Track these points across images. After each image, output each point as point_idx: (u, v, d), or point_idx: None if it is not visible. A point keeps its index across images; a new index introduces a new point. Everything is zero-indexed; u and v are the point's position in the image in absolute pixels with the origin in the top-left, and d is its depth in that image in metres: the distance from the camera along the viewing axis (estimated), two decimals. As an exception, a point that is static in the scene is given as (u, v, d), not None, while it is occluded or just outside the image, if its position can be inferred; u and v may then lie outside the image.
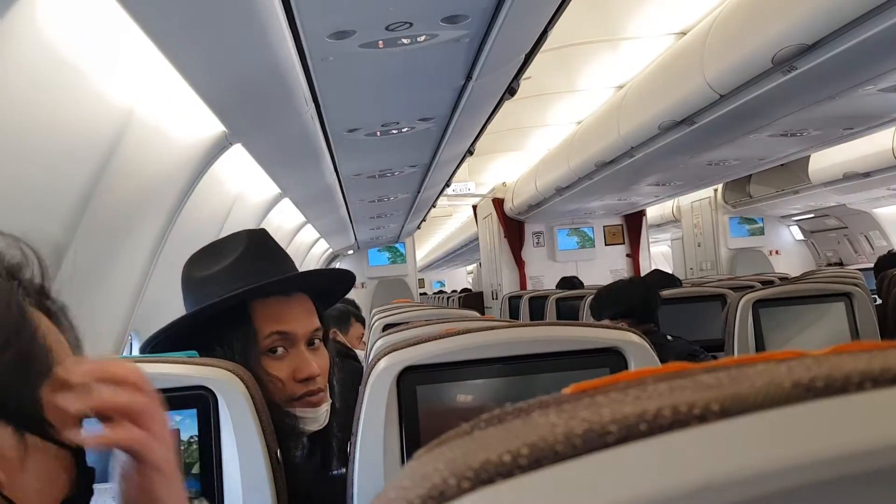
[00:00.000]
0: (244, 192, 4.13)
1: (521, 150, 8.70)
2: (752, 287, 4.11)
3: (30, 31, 1.59)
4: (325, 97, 2.87)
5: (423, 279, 21.36)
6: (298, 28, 2.15)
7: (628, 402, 0.31)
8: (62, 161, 1.89)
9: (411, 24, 2.27)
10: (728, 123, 4.62)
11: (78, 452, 0.71)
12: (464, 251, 17.54)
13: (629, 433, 0.28)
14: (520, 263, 10.13)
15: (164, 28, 1.84)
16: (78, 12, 1.78)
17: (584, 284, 7.09)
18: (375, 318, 3.63)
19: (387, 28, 2.29)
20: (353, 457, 1.35)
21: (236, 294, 1.38)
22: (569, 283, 7.37)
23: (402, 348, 1.40)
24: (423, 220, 9.49)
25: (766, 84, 3.83)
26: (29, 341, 0.70)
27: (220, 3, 1.77)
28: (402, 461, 1.32)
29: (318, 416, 1.46)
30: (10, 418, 0.68)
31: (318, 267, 9.24)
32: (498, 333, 1.44)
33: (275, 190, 4.62)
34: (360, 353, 3.65)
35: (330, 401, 1.50)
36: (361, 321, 4.40)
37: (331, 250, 10.20)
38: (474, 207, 11.46)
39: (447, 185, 6.80)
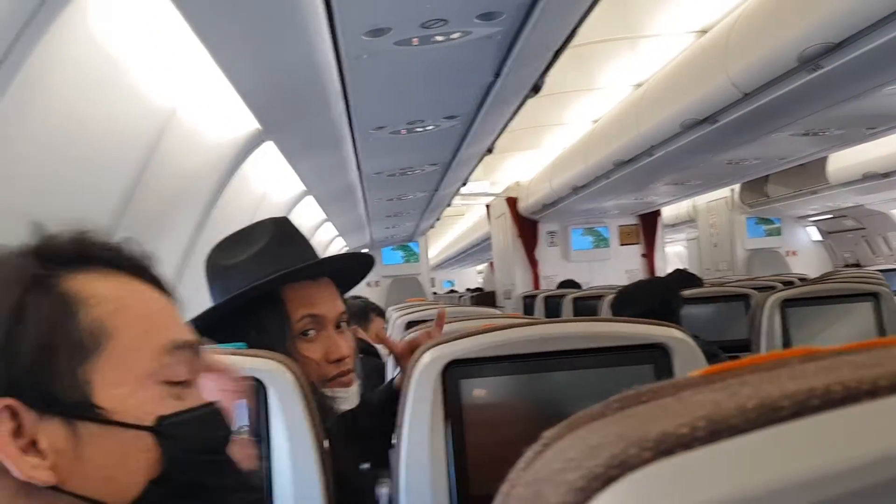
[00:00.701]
0: (269, 192, 4.15)
1: (535, 149, 8.67)
2: (773, 287, 4.11)
3: (82, 30, 1.61)
4: (355, 95, 2.88)
5: (432, 278, 21.34)
6: (336, 25, 2.16)
7: (788, 380, 0.32)
8: (109, 158, 1.91)
9: (446, 21, 2.29)
10: (750, 122, 4.61)
11: (161, 429, 0.69)
12: (475, 251, 17.52)
13: (801, 408, 0.29)
14: (533, 263, 10.09)
15: (213, 27, 1.86)
16: (127, 12, 1.80)
17: (582, 286, 7.12)
18: (395, 315, 3.64)
19: (422, 25, 2.30)
20: (400, 449, 1.36)
21: (275, 278, 1.41)
22: (569, 285, 7.42)
23: (445, 342, 1.41)
24: (438, 218, 9.49)
25: (791, 83, 3.81)
26: (55, 325, 0.68)
27: (267, 1, 1.79)
28: (447, 454, 1.33)
29: (350, 396, 1.49)
30: (54, 409, 0.66)
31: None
32: (543, 328, 1.45)
33: (298, 188, 4.65)
34: (382, 349, 3.66)
35: (359, 381, 1.52)
36: (382, 315, 4.41)
37: (347, 248, 10.22)
38: (487, 206, 11.45)
39: (464, 183, 6.80)
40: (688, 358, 1.40)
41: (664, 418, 0.30)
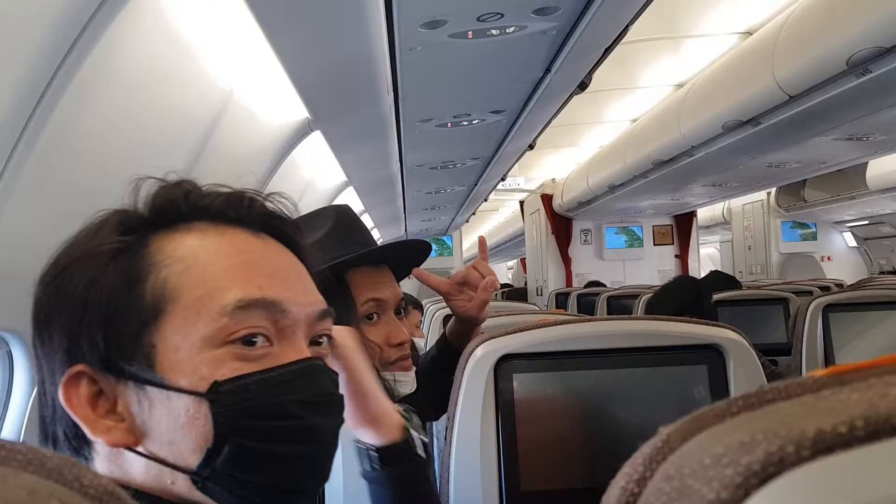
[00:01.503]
0: (314, 179, 4.18)
1: (572, 147, 8.65)
2: (811, 292, 4.07)
3: (152, 11, 1.64)
4: (405, 87, 2.90)
5: (463, 273, 21.20)
6: (394, 16, 2.18)
7: None
8: (170, 140, 1.94)
9: (502, 15, 2.30)
10: (794, 125, 4.57)
11: (214, 396, 0.67)
12: (507, 246, 17.48)
13: None
14: (566, 260, 10.07)
15: (273, 14, 1.88)
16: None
17: (615, 285, 7.13)
18: (432, 308, 3.65)
19: (478, 18, 2.32)
20: (451, 442, 1.36)
21: (350, 258, 1.43)
22: (594, 285, 7.46)
23: (499, 336, 1.41)
24: (473, 213, 9.48)
25: (839, 86, 3.78)
26: (126, 289, 0.68)
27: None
28: (498, 448, 1.34)
29: (410, 380, 1.50)
30: (126, 374, 0.67)
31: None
32: (598, 325, 1.45)
33: (340, 178, 4.67)
34: (419, 341, 3.68)
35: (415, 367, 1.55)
36: (420, 308, 4.44)
37: (381, 240, 10.26)
38: (521, 203, 11.43)
39: (503, 179, 6.80)
40: (742, 360, 1.39)
41: (815, 417, 0.31)
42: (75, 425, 0.68)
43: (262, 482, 0.68)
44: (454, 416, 1.37)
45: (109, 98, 1.67)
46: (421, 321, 4.29)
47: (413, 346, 3.51)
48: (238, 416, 0.67)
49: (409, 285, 10.17)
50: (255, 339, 0.69)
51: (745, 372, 1.38)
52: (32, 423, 1.77)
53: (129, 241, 0.70)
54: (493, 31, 2.43)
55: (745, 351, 1.41)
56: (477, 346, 1.40)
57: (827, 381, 0.36)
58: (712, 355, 1.41)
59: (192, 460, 0.67)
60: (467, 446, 1.33)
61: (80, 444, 0.70)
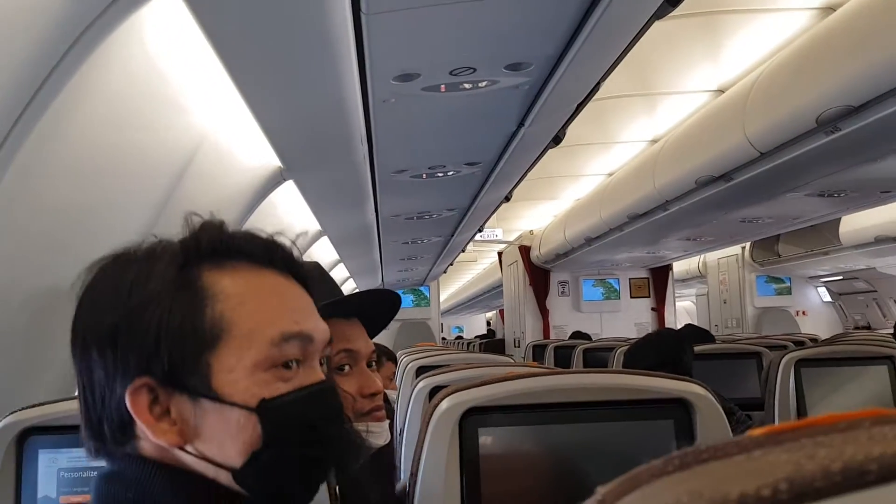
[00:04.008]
0: (289, 228, 4.17)
1: (550, 199, 8.72)
2: (785, 346, 4.08)
3: (124, 57, 1.65)
4: (379, 138, 2.91)
5: (441, 324, 21.27)
6: (367, 69, 2.20)
7: (869, 443, 0.32)
8: (140, 181, 1.94)
9: (475, 70, 2.32)
10: (766, 181, 4.63)
11: (262, 410, 0.81)
12: (485, 297, 17.49)
13: (889, 472, 0.29)
14: (544, 312, 10.08)
15: (245, 65, 1.89)
16: (165, 43, 1.83)
17: (592, 337, 7.12)
18: (405, 360, 3.61)
19: (451, 72, 2.34)
20: (413, 498, 1.34)
21: (323, 305, 1.42)
22: (579, 336, 7.43)
23: (465, 389, 1.40)
24: (451, 263, 9.50)
25: (809, 144, 3.84)
26: (189, 317, 0.81)
27: (300, 43, 1.82)
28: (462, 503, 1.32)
29: (384, 431, 1.48)
30: (184, 388, 0.81)
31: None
32: (565, 378, 1.44)
33: (315, 227, 4.67)
34: (391, 393, 3.64)
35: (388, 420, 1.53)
36: (393, 360, 4.40)
37: (357, 289, 10.23)
38: (499, 254, 11.46)
39: (479, 230, 6.82)
40: (709, 415, 1.38)
41: (741, 478, 0.30)
42: (121, 422, 0.81)
43: (289, 478, 0.84)
44: (417, 473, 1.35)
45: (75, 142, 1.67)
46: (395, 373, 4.25)
47: (386, 399, 3.48)
48: (279, 426, 0.82)
49: (383, 336, 10.11)
50: (291, 364, 0.84)
51: (711, 426, 1.37)
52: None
53: (189, 277, 0.83)
54: (466, 85, 2.45)
55: (711, 406, 1.40)
56: (442, 400, 1.38)
57: (762, 441, 0.35)
58: (679, 410, 1.40)
59: (238, 461, 0.81)
60: (431, 501, 1.31)
61: (125, 439, 0.83)
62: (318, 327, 0.90)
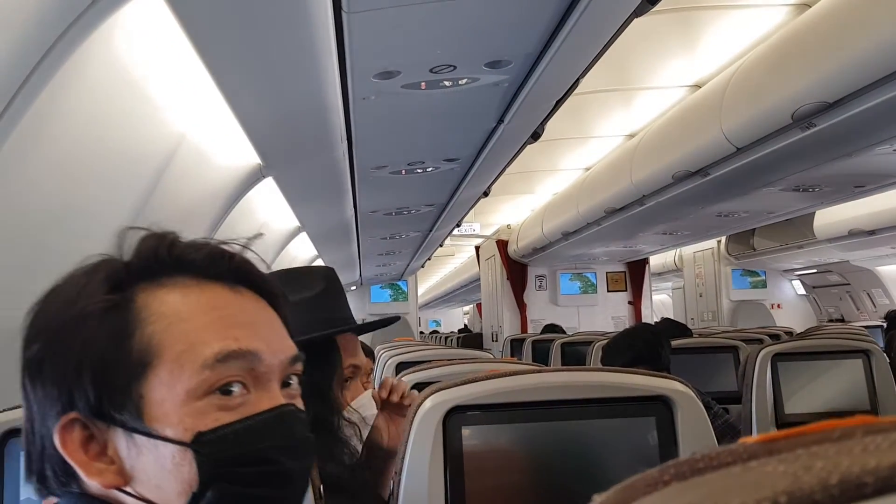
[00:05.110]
0: (268, 224, 4.16)
1: (527, 194, 8.73)
2: (761, 340, 4.11)
3: (105, 53, 1.64)
4: (359, 135, 2.91)
5: (419, 318, 21.26)
6: (347, 67, 2.20)
7: (864, 454, 0.32)
8: (121, 179, 1.93)
9: (455, 68, 2.33)
10: (742, 176, 4.66)
11: (198, 445, 0.71)
12: (462, 292, 17.49)
13: (886, 485, 0.29)
14: (521, 306, 10.09)
15: (224, 62, 1.89)
16: (147, 41, 1.83)
17: (569, 331, 7.15)
18: (385, 355, 3.60)
19: (431, 70, 2.35)
20: (398, 496, 1.34)
21: (366, 324, 1.60)
22: (552, 329, 7.44)
23: (448, 387, 1.40)
24: (429, 258, 9.49)
25: (784, 139, 3.86)
26: (117, 344, 0.72)
27: (281, 41, 1.82)
28: (446, 502, 1.32)
29: (367, 401, 1.59)
30: (114, 422, 0.72)
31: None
32: (548, 376, 1.44)
33: (294, 223, 4.66)
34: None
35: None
36: (371, 356, 4.39)
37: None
38: (477, 248, 11.47)
39: (458, 225, 6.83)
40: (690, 411, 1.39)
41: (739, 490, 0.30)
42: (64, 463, 0.72)
43: None
44: (401, 471, 1.35)
45: (56, 142, 1.66)
46: (372, 369, 4.24)
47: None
48: (220, 463, 0.71)
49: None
50: (232, 389, 0.73)
51: (692, 423, 1.38)
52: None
53: (117, 299, 0.73)
54: (446, 83, 2.46)
55: (691, 402, 1.41)
56: (426, 398, 1.38)
57: (757, 450, 0.35)
58: (661, 407, 1.41)
59: (179, 503, 0.71)
60: (415, 502, 1.31)
61: (67, 480, 0.74)
62: (272, 345, 0.77)
